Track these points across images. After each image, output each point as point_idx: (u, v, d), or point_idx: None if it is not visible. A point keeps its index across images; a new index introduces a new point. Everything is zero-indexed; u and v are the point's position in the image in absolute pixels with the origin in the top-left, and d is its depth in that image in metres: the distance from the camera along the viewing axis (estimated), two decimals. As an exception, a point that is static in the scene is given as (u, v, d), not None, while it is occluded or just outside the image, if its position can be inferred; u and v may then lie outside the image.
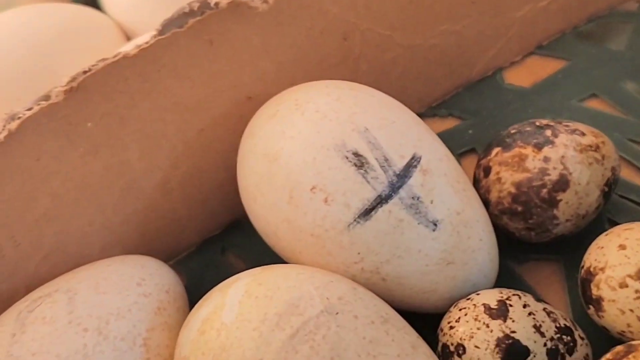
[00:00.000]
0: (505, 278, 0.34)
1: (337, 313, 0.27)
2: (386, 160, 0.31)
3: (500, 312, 0.29)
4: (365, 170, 0.31)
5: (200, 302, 0.30)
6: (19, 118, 0.30)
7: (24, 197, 0.31)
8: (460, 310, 0.30)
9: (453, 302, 0.32)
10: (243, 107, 0.36)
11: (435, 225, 0.31)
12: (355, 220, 0.30)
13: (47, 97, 0.31)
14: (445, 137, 0.37)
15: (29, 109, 0.30)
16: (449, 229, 0.31)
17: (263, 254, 0.35)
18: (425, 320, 0.32)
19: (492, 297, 0.30)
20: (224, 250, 0.38)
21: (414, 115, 0.35)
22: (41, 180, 0.31)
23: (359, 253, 0.30)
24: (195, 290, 0.33)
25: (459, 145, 0.41)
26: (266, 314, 0.27)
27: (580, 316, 0.33)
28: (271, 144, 0.32)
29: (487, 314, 0.29)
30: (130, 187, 0.34)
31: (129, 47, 0.32)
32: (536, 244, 0.35)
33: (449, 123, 0.43)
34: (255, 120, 0.35)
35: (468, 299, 0.31)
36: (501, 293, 0.31)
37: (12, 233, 0.31)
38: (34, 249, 0.32)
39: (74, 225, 0.33)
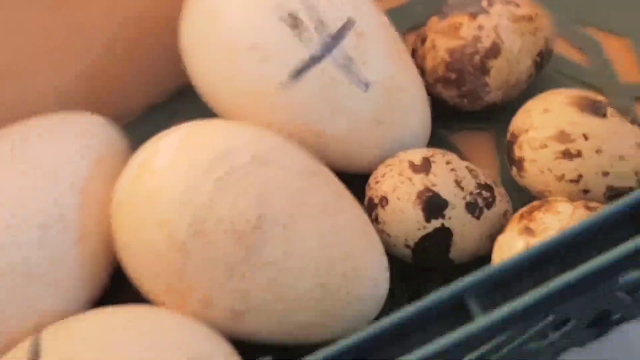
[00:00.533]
0: (437, 146, 0.35)
1: (265, 163, 0.29)
2: (321, 22, 0.32)
3: (423, 167, 0.31)
4: (299, 31, 0.32)
5: (136, 151, 0.31)
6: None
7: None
8: (386, 166, 0.32)
9: (380, 162, 0.33)
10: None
11: (367, 85, 0.32)
12: (289, 79, 0.31)
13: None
14: (396, 13, 0.38)
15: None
16: (380, 90, 0.32)
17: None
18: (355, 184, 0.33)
19: (417, 154, 0.32)
20: (171, 117, 0.39)
21: None
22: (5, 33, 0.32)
23: (293, 111, 0.32)
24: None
25: (408, 21, 0.42)
26: (197, 160, 0.28)
27: (508, 181, 0.34)
28: (213, 3, 0.33)
29: (410, 169, 0.31)
30: (84, 48, 0.35)
31: None
32: (469, 113, 0.36)
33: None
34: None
35: (395, 157, 0.32)
36: (427, 151, 0.32)
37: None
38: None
39: (30, 82, 0.34)
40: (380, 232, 0.31)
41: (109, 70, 0.36)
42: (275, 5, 0.32)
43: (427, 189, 0.30)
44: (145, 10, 0.36)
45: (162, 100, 0.39)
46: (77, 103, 0.35)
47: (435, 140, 0.35)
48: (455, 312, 0.18)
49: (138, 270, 0.29)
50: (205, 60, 0.33)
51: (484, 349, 0.23)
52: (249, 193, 0.28)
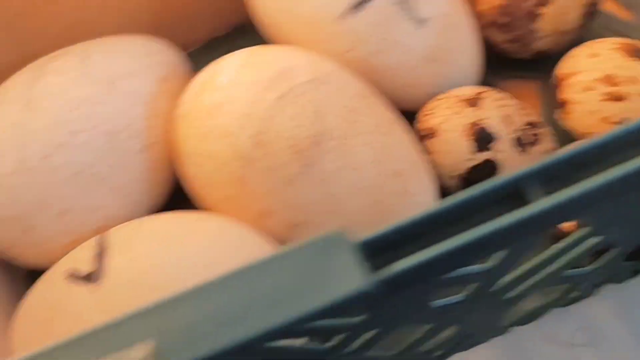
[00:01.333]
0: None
1: (323, 84, 0.30)
2: None
3: (474, 102, 0.32)
4: None
5: (199, 73, 0.32)
6: None
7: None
8: (437, 100, 0.33)
9: (431, 99, 0.34)
10: None
11: (423, 23, 0.33)
12: (348, 11, 0.33)
13: None
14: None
15: None
16: (435, 28, 0.33)
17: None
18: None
19: (468, 90, 0.33)
20: (229, 51, 0.40)
21: None
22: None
23: (350, 42, 0.33)
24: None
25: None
26: (258, 78, 0.30)
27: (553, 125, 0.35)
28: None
29: (461, 103, 0.32)
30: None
31: None
32: (518, 61, 0.37)
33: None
34: None
35: (446, 92, 0.33)
36: (478, 88, 0.33)
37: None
38: (53, 19, 0.34)
39: (95, 4, 0.35)
40: (429, 163, 0.32)
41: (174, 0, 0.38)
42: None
43: (477, 122, 0.31)
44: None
45: (222, 33, 0.40)
46: (140, 29, 0.36)
47: (483, 85, 0.36)
48: (512, 200, 0.19)
49: (198, 180, 0.30)
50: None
51: (532, 263, 0.24)
52: (307, 110, 0.29)
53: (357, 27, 0.33)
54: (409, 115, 0.34)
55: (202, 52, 0.40)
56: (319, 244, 0.18)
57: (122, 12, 0.36)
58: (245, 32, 0.40)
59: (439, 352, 0.31)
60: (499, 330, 0.32)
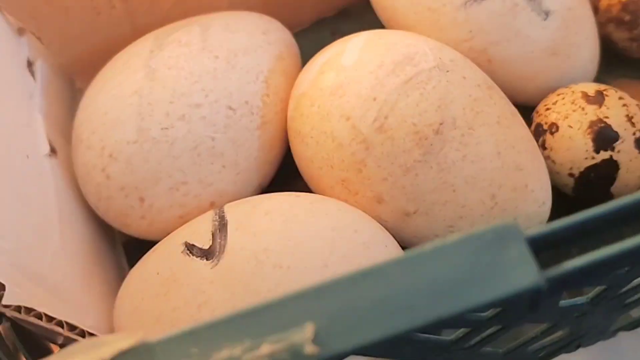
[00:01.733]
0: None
1: (447, 71, 0.29)
2: None
3: (597, 99, 0.31)
4: None
5: (319, 52, 0.32)
6: None
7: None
8: (558, 95, 0.32)
9: (549, 94, 0.33)
10: None
11: (547, 14, 0.32)
12: None
13: None
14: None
15: None
16: (559, 21, 0.32)
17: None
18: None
19: (590, 87, 0.32)
20: (333, 34, 0.40)
21: None
22: None
23: (470, 31, 0.32)
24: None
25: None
26: (383, 61, 0.29)
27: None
28: None
29: (584, 99, 0.31)
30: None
31: None
32: (634, 61, 0.36)
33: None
34: None
35: (567, 87, 0.32)
36: (600, 85, 0.32)
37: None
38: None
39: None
40: (545, 159, 0.31)
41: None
42: None
43: (600, 120, 0.31)
44: None
45: (329, 15, 0.40)
46: (249, 8, 0.36)
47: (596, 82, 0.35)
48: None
49: (315, 161, 0.30)
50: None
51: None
52: (431, 97, 0.28)
53: (479, 15, 0.32)
54: (521, 109, 0.33)
55: (307, 33, 0.40)
56: (489, 236, 0.17)
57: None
58: (350, 16, 0.40)
59: (543, 353, 0.31)
60: (606, 335, 0.31)
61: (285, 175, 0.33)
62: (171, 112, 0.29)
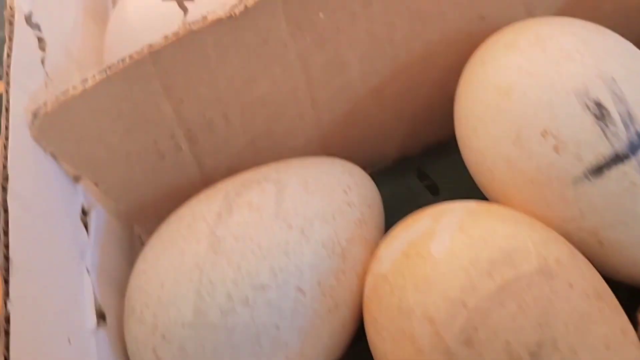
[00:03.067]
0: None
1: (552, 276, 0.25)
2: (629, 116, 0.28)
3: None
4: (605, 124, 0.28)
5: (406, 221, 0.29)
6: (257, -4, 0.29)
7: (245, 76, 0.30)
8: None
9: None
10: (474, 25, 0.34)
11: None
12: (585, 175, 0.28)
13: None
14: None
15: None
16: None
17: (461, 186, 0.33)
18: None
19: None
20: (419, 172, 0.36)
21: None
22: (265, 63, 0.30)
23: (580, 211, 0.28)
24: (385, 206, 0.32)
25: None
26: (478, 257, 0.26)
27: None
28: (505, 76, 0.30)
29: None
30: (345, 88, 0.33)
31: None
32: None
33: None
34: (488, 48, 0.32)
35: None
36: None
37: (226, 110, 0.31)
38: (243, 130, 0.32)
39: (286, 115, 0.32)
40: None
41: (371, 114, 0.34)
42: (580, 90, 0.29)
43: None
44: (422, 60, 0.34)
45: (412, 154, 0.37)
46: (327, 145, 0.33)
47: None
48: None
49: (390, 357, 0.26)
50: (488, 135, 0.30)
51: None
52: (530, 310, 0.25)
53: (592, 194, 0.28)
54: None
55: (390, 168, 0.36)
56: None
57: (314, 126, 0.33)
58: (439, 153, 0.37)
59: None
60: None
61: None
62: (234, 294, 0.26)
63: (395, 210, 0.32)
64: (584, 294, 0.26)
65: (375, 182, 0.33)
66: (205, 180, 0.32)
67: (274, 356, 0.26)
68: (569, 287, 0.25)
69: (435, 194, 0.36)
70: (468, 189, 0.32)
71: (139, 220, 0.33)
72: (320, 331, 0.27)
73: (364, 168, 0.34)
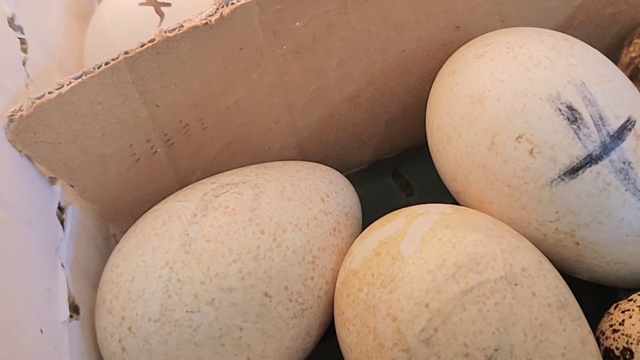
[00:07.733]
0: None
1: (516, 284, 0.26)
2: (601, 118, 0.29)
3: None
4: (578, 126, 0.29)
5: (381, 220, 0.29)
6: (233, 4, 0.29)
7: (221, 83, 0.31)
8: (623, 312, 0.28)
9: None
10: (449, 34, 0.34)
11: (644, 194, 0.29)
12: (560, 177, 0.29)
13: (262, -11, 0.30)
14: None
15: (245, -3, 0.29)
16: (657, 202, 0.29)
17: (434, 188, 0.34)
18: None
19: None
20: (394, 173, 0.37)
21: (626, 77, 0.32)
22: (241, 69, 0.31)
23: (557, 212, 0.29)
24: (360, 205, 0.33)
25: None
26: (445, 260, 0.26)
27: None
28: (477, 84, 0.31)
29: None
30: (321, 94, 0.33)
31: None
32: None
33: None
34: (459, 57, 0.33)
35: (630, 300, 0.29)
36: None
37: (202, 115, 0.31)
38: (219, 134, 0.32)
39: (261, 120, 0.33)
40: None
41: (346, 120, 0.35)
42: (552, 95, 0.29)
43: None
44: (397, 68, 0.34)
45: (389, 155, 0.37)
46: (304, 148, 0.34)
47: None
48: None
49: (353, 351, 0.27)
50: (463, 143, 0.30)
51: None
52: (490, 316, 0.25)
53: (567, 195, 0.29)
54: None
55: (365, 171, 0.37)
56: None
57: (290, 131, 0.33)
58: (413, 156, 0.37)
59: None
60: None
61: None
62: (201, 294, 0.26)
63: (370, 210, 0.32)
64: (546, 304, 0.26)
65: (351, 182, 0.34)
66: (181, 183, 0.32)
67: (235, 355, 0.27)
68: (531, 296, 0.26)
69: (410, 194, 0.37)
70: (442, 190, 0.33)
71: (115, 221, 0.33)
72: (284, 335, 0.27)
73: (340, 171, 0.34)
